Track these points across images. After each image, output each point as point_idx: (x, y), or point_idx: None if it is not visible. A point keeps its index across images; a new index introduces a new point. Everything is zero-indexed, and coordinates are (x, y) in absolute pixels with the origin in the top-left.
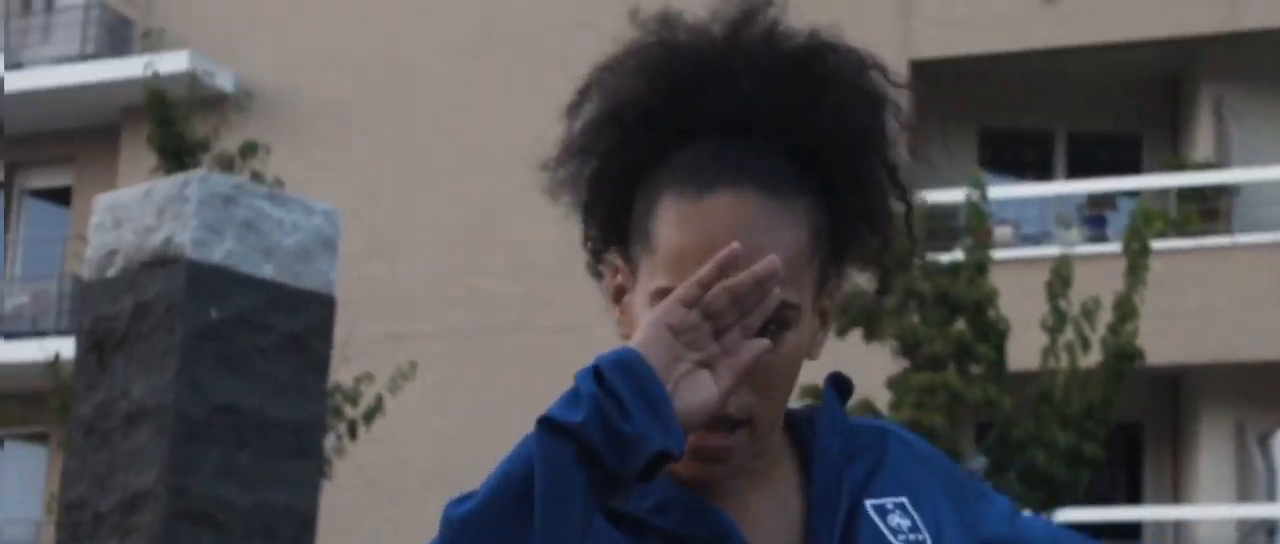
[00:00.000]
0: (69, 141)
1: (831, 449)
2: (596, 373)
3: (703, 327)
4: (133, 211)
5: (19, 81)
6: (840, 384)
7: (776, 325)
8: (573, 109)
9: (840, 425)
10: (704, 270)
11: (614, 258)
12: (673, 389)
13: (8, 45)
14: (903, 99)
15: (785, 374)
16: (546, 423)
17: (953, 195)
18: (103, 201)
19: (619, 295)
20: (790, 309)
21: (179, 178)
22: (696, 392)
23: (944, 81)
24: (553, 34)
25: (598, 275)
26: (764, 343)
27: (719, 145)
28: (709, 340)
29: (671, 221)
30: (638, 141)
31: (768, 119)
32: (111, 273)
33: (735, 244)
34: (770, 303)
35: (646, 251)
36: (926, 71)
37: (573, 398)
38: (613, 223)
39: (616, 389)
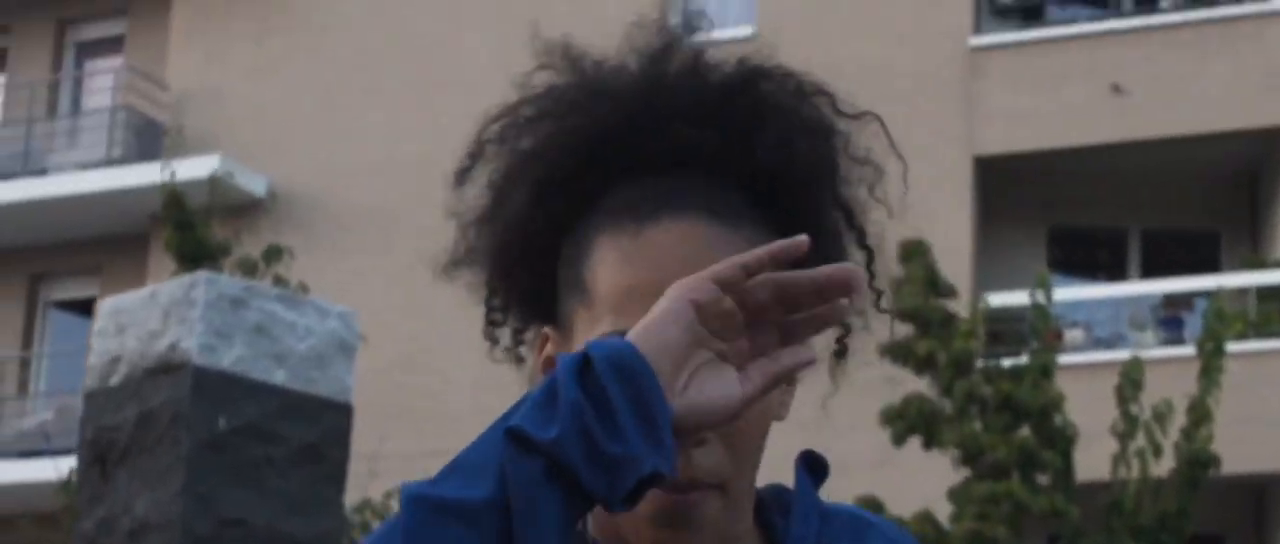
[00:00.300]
0: (95, 251)
1: (807, 536)
2: (583, 366)
3: (736, 315)
4: (137, 316)
5: (43, 188)
6: (813, 464)
7: None
8: (462, 175)
9: (814, 508)
10: (752, 254)
11: (541, 330)
12: (688, 379)
13: (31, 150)
14: (855, 128)
15: (756, 434)
16: (513, 435)
17: (1021, 297)
18: (106, 306)
19: (550, 369)
20: None
21: (185, 279)
22: (717, 386)
23: (1010, 179)
24: None
25: (518, 359)
26: (811, 353)
27: (656, 178)
28: (739, 333)
29: (611, 261)
30: (556, 198)
31: (705, 160)
32: (114, 381)
33: (803, 236)
34: (836, 316)
35: (583, 303)
36: (991, 168)
37: (548, 399)
38: (534, 295)
39: (605, 393)
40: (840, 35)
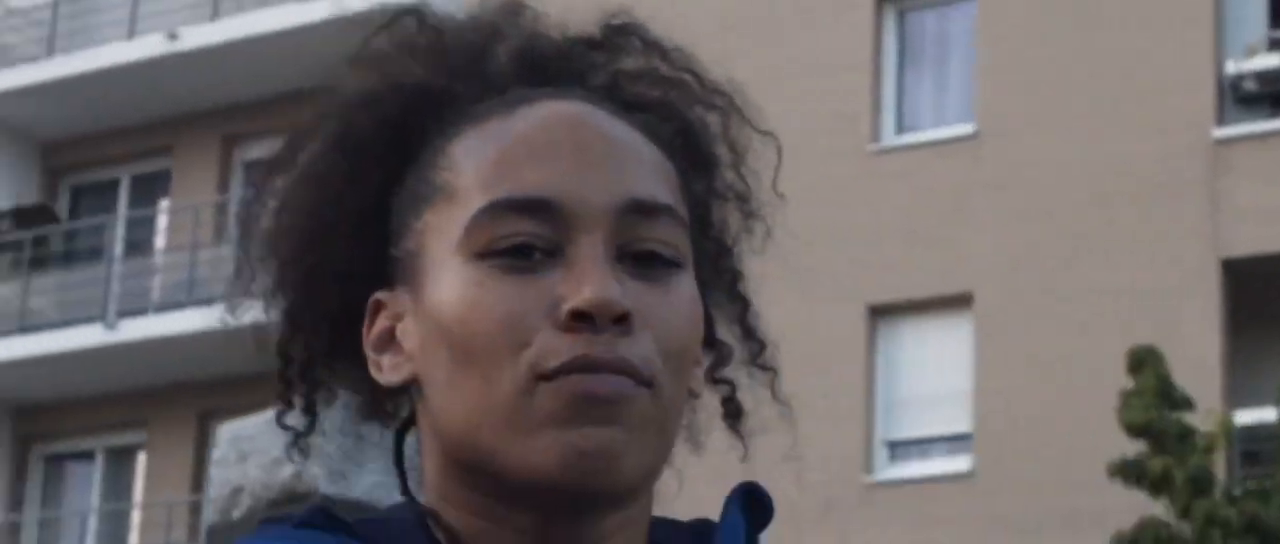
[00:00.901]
0: (269, 384)
1: None
2: None
3: None
4: (259, 443)
5: (210, 319)
6: (750, 501)
7: (663, 261)
8: (276, 164)
9: None
10: None
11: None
12: None
13: (197, 279)
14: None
15: (684, 335)
16: None
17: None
18: (226, 433)
19: (388, 337)
20: (672, 221)
21: None
22: None
23: (1262, 282)
24: None
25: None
26: None
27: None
28: None
29: (475, 145)
30: (383, 165)
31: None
32: (237, 514)
33: None
34: None
35: (442, 202)
36: (1241, 271)
37: None
38: (344, 280)
39: None
40: (1068, 130)
